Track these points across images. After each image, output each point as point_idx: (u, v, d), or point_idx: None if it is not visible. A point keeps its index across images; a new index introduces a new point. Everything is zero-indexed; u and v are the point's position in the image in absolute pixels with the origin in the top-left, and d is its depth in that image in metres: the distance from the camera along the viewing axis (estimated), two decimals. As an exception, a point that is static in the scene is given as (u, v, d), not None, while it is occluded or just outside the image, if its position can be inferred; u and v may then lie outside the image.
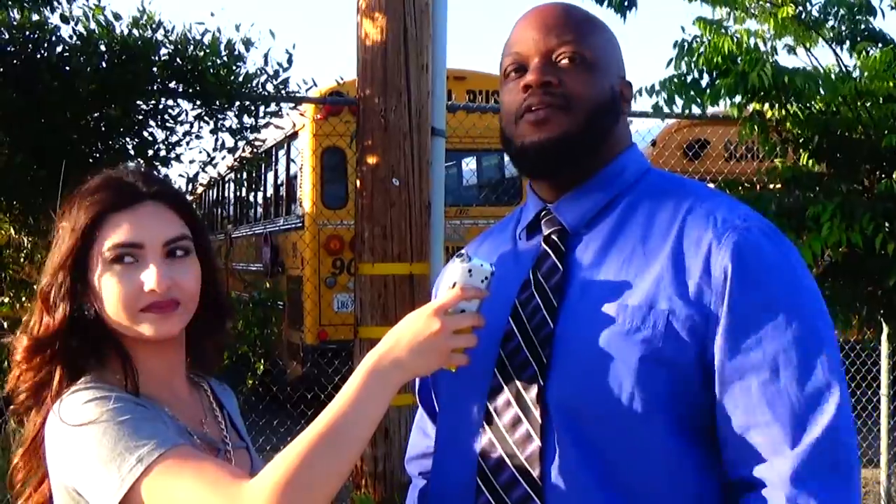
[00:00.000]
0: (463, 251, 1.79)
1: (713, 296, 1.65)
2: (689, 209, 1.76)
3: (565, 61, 1.81)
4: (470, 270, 1.73)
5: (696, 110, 5.44)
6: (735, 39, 5.04)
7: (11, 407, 1.87)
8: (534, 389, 1.71)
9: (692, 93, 5.15)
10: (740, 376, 1.63)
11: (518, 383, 1.73)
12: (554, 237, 1.83)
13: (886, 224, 4.87)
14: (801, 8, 5.46)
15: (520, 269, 1.85)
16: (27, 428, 1.85)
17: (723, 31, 5.18)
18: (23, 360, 1.81)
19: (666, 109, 5.32)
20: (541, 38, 1.83)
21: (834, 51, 5.61)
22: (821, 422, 1.59)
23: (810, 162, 5.48)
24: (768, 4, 5.52)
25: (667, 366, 1.65)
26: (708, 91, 5.13)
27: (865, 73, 5.19)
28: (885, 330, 6.38)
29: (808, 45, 5.62)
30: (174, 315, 1.83)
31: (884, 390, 7.47)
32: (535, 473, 1.68)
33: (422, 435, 2.13)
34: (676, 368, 1.65)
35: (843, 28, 5.54)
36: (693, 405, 1.67)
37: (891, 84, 4.94)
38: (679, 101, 5.21)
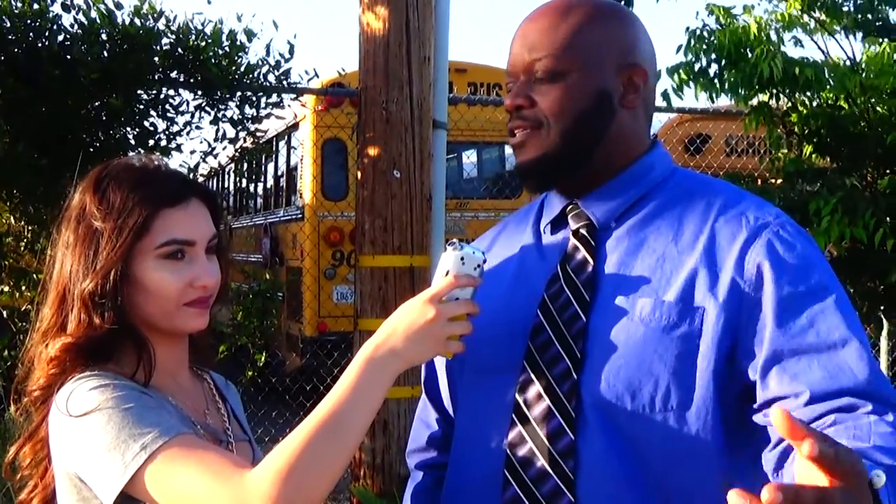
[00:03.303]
0: (455, 239, 1.80)
1: (748, 291, 1.65)
2: (720, 208, 1.76)
3: (541, 77, 1.79)
4: (462, 258, 1.73)
5: (703, 100, 5.46)
6: (751, 26, 5.04)
7: (26, 398, 1.85)
8: (567, 383, 1.70)
9: (701, 80, 5.15)
10: (799, 357, 1.60)
11: (550, 377, 1.72)
12: (583, 231, 1.82)
13: (888, 219, 4.87)
14: None
15: (546, 263, 1.84)
16: (34, 419, 1.84)
17: (734, 18, 5.18)
18: (60, 360, 1.77)
19: (674, 97, 5.31)
20: (520, 56, 1.82)
21: (839, 44, 5.61)
22: (886, 387, 1.58)
23: (814, 156, 5.48)
24: None
25: (703, 361, 1.64)
26: (717, 81, 5.13)
27: (872, 68, 5.19)
28: (886, 326, 6.39)
29: (821, 33, 5.60)
30: (207, 310, 1.87)
31: (883, 386, 7.46)
32: (567, 467, 1.68)
33: (424, 427, 2.12)
34: (712, 364, 1.64)
35: (859, 17, 5.52)
36: (728, 401, 1.67)
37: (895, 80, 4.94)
38: (688, 90, 5.22)
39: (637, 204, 1.82)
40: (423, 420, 2.13)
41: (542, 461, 1.70)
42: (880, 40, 5.36)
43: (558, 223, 1.88)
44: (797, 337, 1.62)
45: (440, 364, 2.02)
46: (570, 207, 1.86)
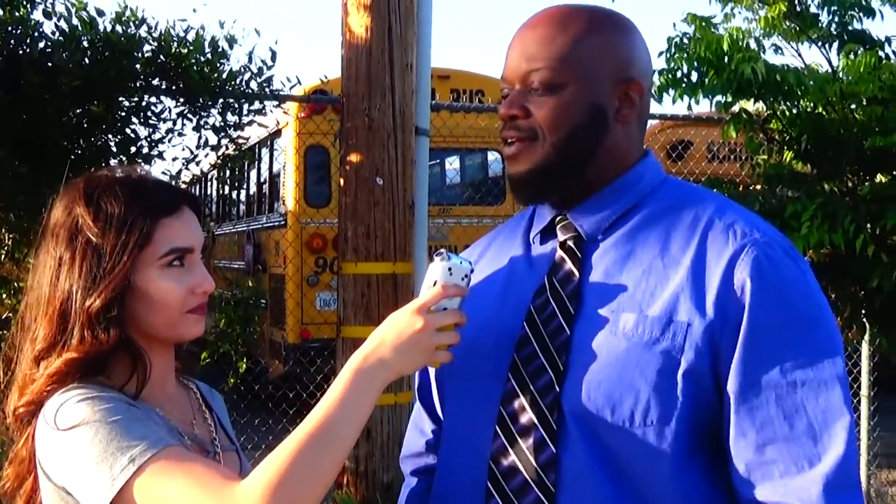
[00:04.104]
0: (442, 250, 1.80)
1: (731, 309, 1.65)
2: (708, 221, 1.75)
3: (537, 88, 1.78)
4: (450, 269, 1.74)
5: (684, 104, 5.46)
6: (730, 36, 5.06)
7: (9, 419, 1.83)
8: (549, 396, 1.70)
9: (682, 86, 5.16)
10: (758, 391, 1.63)
11: (533, 389, 1.72)
12: (570, 243, 1.82)
13: (868, 226, 4.89)
14: (796, 3, 5.48)
15: (534, 274, 1.84)
16: (16, 438, 1.82)
17: (713, 28, 5.19)
18: (62, 374, 1.76)
19: (654, 102, 5.33)
20: (517, 64, 1.81)
21: (821, 50, 5.63)
22: (839, 440, 1.60)
23: (794, 162, 5.50)
24: (758, 3, 5.53)
25: (684, 377, 1.65)
26: (699, 86, 5.14)
27: (850, 75, 5.21)
28: (868, 330, 6.41)
29: (797, 41, 5.63)
30: (205, 316, 1.88)
31: (864, 391, 7.53)
32: (549, 480, 1.68)
33: (418, 433, 2.12)
34: (693, 380, 1.65)
35: (834, 27, 5.55)
36: (707, 417, 1.68)
37: (874, 86, 4.96)
38: (667, 96, 5.23)
39: (625, 215, 1.81)
40: (418, 426, 2.13)
41: (524, 473, 1.71)
42: (857, 48, 5.39)
43: (547, 234, 1.88)
44: (760, 371, 1.63)
45: (433, 371, 2.03)
46: (558, 219, 1.86)
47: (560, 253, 1.82)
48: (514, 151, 1.81)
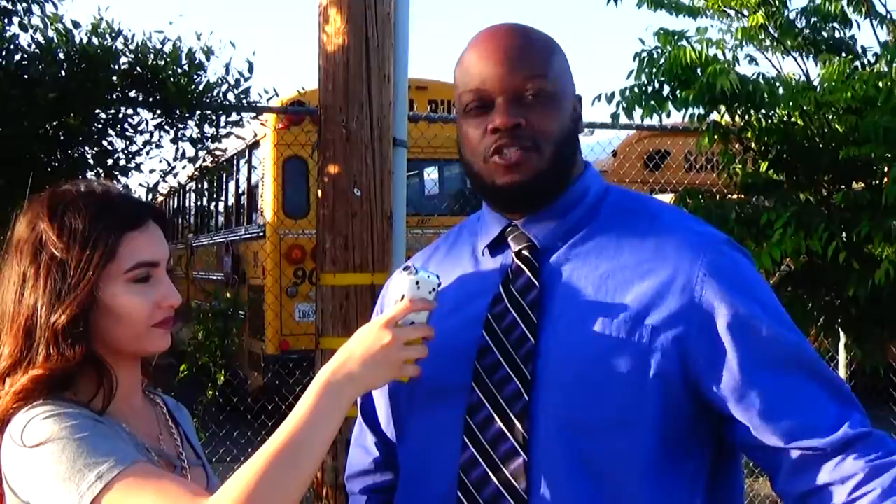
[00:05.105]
0: (409, 263, 1.80)
1: (697, 310, 1.70)
2: (659, 226, 1.81)
3: (531, 98, 1.78)
4: (417, 283, 1.74)
5: (654, 120, 5.47)
6: (696, 50, 5.08)
7: None
8: (518, 404, 1.72)
9: (653, 102, 5.18)
10: (763, 373, 1.68)
11: (500, 398, 1.73)
12: (526, 253, 1.83)
13: (843, 234, 4.92)
14: (774, 14, 5.52)
15: (486, 284, 1.85)
16: None
17: (683, 41, 5.21)
18: (28, 391, 1.74)
19: (624, 119, 5.35)
20: (505, 74, 1.78)
21: (796, 60, 5.67)
22: (852, 394, 1.71)
23: (770, 171, 5.54)
24: (732, 12, 5.57)
25: (655, 378, 1.68)
26: (671, 99, 5.17)
27: (825, 84, 5.25)
28: (843, 339, 6.44)
29: (773, 52, 5.67)
30: (170, 329, 1.87)
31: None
32: (520, 488, 1.69)
33: (363, 451, 2.12)
34: (663, 380, 1.69)
35: (809, 36, 5.59)
36: (677, 415, 1.71)
37: (849, 95, 5.00)
38: (638, 111, 5.25)
39: (576, 225, 1.84)
40: (361, 444, 2.13)
41: (495, 483, 1.72)
42: (833, 58, 5.43)
43: (497, 245, 1.89)
44: (765, 354, 1.69)
45: (383, 388, 2.00)
46: (509, 229, 1.87)
47: (517, 262, 1.84)
48: (517, 160, 1.77)
